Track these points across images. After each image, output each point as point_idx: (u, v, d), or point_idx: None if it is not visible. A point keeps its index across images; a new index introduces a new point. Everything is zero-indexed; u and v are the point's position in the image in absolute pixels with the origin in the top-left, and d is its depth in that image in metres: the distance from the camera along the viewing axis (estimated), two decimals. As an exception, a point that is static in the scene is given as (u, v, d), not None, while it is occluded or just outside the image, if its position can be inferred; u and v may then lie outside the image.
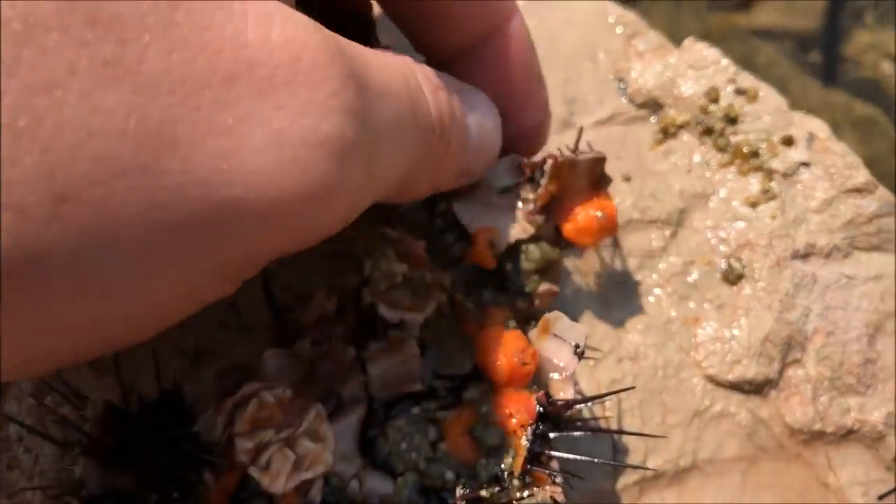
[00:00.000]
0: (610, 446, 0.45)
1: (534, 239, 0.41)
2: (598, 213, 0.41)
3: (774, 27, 0.78)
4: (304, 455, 0.35)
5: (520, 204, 0.42)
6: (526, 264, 0.41)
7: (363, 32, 0.44)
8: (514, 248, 0.42)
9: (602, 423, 0.45)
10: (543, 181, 0.41)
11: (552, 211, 0.43)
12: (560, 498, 0.36)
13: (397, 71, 0.31)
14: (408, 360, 0.40)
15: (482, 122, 0.38)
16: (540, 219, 0.42)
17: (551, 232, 0.43)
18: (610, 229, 0.42)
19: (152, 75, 0.22)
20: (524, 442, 0.37)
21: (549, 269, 0.42)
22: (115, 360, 0.38)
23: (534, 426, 0.37)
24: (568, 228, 0.42)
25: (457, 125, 0.35)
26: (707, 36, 0.60)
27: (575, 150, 0.42)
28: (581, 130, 0.44)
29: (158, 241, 0.23)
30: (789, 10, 0.78)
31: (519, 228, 0.41)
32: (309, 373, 0.40)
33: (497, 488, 0.36)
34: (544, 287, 0.43)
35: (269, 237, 0.26)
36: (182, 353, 0.43)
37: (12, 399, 0.41)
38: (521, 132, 0.42)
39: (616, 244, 0.50)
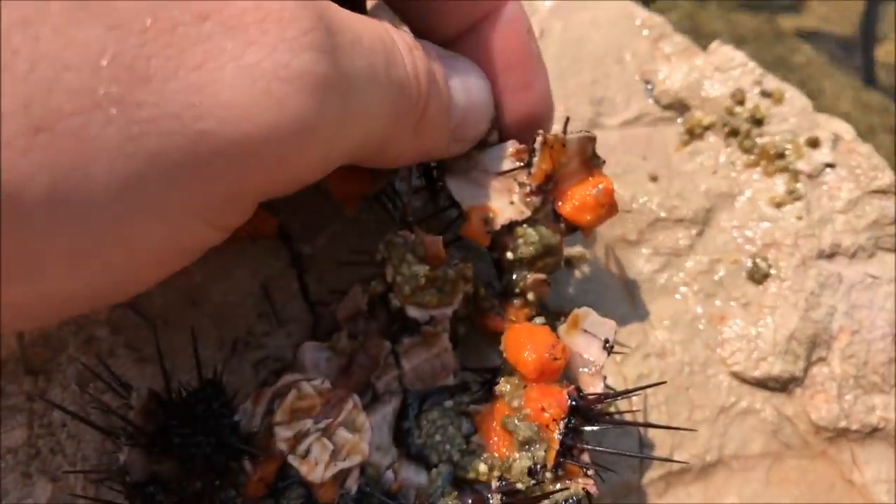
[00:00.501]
0: (637, 441, 0.45)
1: (531, 222, 0.41)
2: (593, 190, 0.41)
3: (817, 28, 0.78)
4: (342, 445, 0.36)
5: (517, 188, 0.42)
6: (524, 249, 0.41)
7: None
8: (511, 235, 0.42)
9: (629, 418, 0.46)
10: (536, 160, 0.41)
11: (550, 198, 0.42)
12: (593, 490, 0.37)
13: (370, 26, 0.32)
14: (441, 354, 0.41)
15: (467, 85, 0.38)
16: (536, 200, 0.41)
17: (549, 216, 0.42)
18: (608, 205, 0.41)
19: (125, 12, 0.23)
20: (557, 435, 0.37)
21: (549, 254, 0.42)
22: (157, 349, 0.39)
23: (566, 420, 0.37)
24: (565, 210, 0.41)
25: (437, 86, 0.36)
26: (739, 37, 0.61)
27: (564, 132, 0.42)
28: (567, 120, 0.43)
29: (135, 174, 0.24)
30: (834, 11, 0.78)
31: (515, 210, 0.41)
32: (345, 365, 0.41)
33: (532, 481, 0.37)
34: (532, 278, 0.43)
35: (245, 174, 0.27)
36: (220, 343, 0.45)
37: (56, 386, 0.42)
38: (522, 118, 0.42)
39: (641, 242, 0.51)
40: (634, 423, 0.41)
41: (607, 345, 0.39)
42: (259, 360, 0.44)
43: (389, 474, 0.38)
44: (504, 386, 0.39)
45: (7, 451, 0.40)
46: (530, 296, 0.42)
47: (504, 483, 0.37)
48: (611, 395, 0.39)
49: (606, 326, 0.40)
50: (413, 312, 0.40)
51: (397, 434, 0.39)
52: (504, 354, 0.40)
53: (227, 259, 0.46)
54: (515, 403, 0.39)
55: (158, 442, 0.35)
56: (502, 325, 0.42)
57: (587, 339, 0.40)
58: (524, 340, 0.39)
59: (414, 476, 0.38)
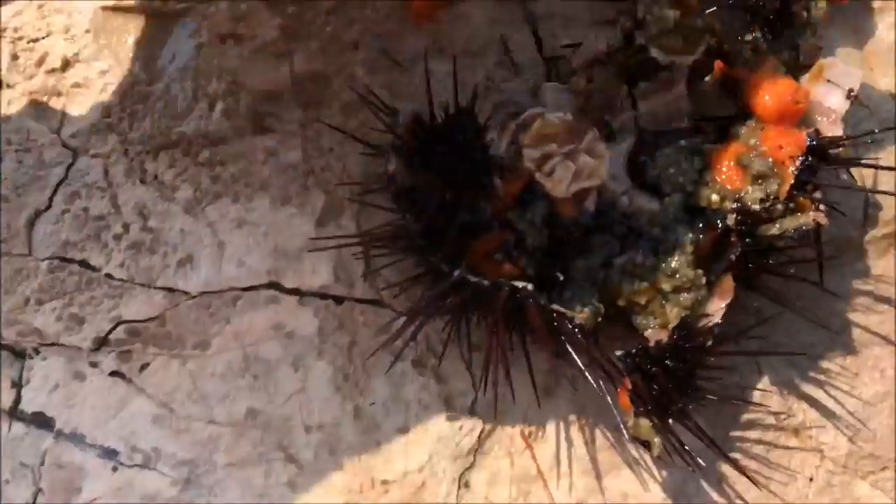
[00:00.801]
0: (861, 199, 0.46)
1: None
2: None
3: None
4: (583, 167, 0.40)
5: None
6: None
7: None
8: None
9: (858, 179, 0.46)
10: None
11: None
12: (823, 220, 0.39)
13: None
14: (676, 98, 0.43)
15: None
16: None
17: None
18: None
19: None
20: (792, 171, 0.39)
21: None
22: (425, 70, 0.43)
23: (803, 157, 0.39)
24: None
25: None
26: None
27: None
28: None
29: None
30: None
31: None
32: (583, 105, 0.43)
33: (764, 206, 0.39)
34: (811, 42, 0.43)
35: None
36: (462, 87, 0.48)
37: (324, 115, 0.48)
38: None
39: None
40: (867, 165, 0.42)
41: (851, 94, 0.40)
42: (498, 102, 0.48)
43: (624, 199, 0.42)
44: (739, 128, 0.41)
45: (287, 166, 0.47)
46: (801, 57, 0.43)
47: (739, 205, 0.40)
48: (849, 137, 0.40)
49: (853, 76, 0.40)
50: (656, 53, 0.42)
51: (631, 168, 0.43)
52: (743, 100, 0.41)
53: (470, 10, 0.49)
54: (752, 142, 0.41)
55: (420, 156, 0.40)
56: (744, 73, 0.43)
57: (829, 89, 0.41)
58: (766, 85, 0.40)
59: (647, 203, 0.42)
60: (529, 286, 0.40)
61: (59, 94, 0.48)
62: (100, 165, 0.47)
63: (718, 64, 0.44)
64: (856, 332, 0.47)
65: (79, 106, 0.48)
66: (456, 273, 0.40)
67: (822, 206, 0.39)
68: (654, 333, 0.42)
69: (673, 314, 0.42)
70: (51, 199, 0.47)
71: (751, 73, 0.42)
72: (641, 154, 0.43)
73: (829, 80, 0.41)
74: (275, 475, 0.45)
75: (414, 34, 0.48)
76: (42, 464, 0.45)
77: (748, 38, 0.44)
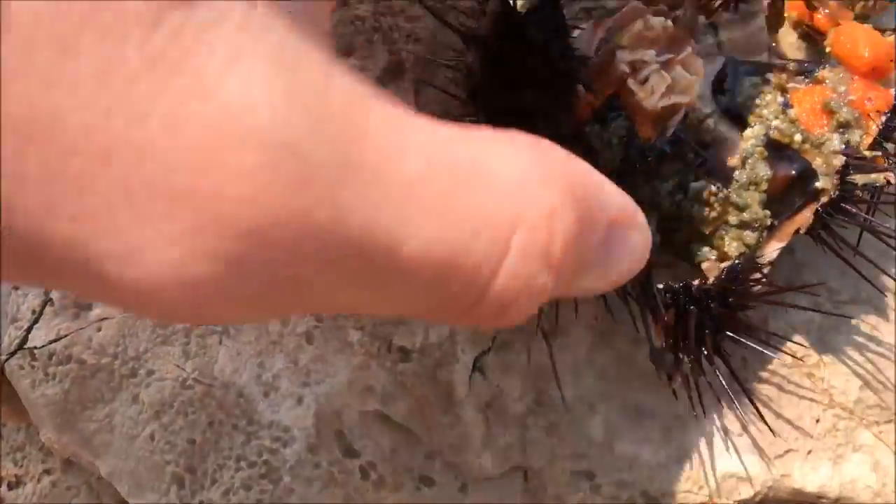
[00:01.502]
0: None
1: None
2: None
3: None
4: (678, 80, 0.40)
5: None
6: None
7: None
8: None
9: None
10: None
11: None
12: (893, 179, 0.39)
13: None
14: (756, 31, 0.43)
15: (595, 285, 0.24)
16: None
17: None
18: None
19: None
20: (875, 126, 0.40)
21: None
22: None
23: (889, 113, 0.39)
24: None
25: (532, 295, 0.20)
26: None
27: None
28: None
29: None
30: None
31: None
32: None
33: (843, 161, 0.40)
34: None
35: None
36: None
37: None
38: None
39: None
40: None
41: None
42: (585, 7, 0.47)
43: (710, 122, 0.41)
44: (829, 73, 0.41)
45: (355, 18, 0.47)
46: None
47: (847, 146, 0.40)
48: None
49: None
50: None
51: (716, 94, 0.42)
52: (832, 48, 0.42)
53: None
54: (841, 89, 0.41)
55: (502, 50, 0.40)
56: (829, 23, 0.43)
57: None
58: (862, 37, 0.41)
59: (728, 131, 0.42)
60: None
61: None
62: None
63: (801, 8, 0.45)
64: (882, 283, 0.48)
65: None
66: None
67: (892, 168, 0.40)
68: (711, 266, 0.42)
69: (732, 249, 0.41)
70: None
71: (843, 24, 0.43)
72: (726, 81, 0.43)
73: None
74: (292, 324, 0.44)
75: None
76: (55, 273, 0.44)
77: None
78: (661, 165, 0.41)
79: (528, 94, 0.39)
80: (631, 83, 0.40)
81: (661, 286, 0.41)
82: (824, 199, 0.41)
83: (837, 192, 0.41)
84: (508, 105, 0.40)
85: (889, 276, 0.46)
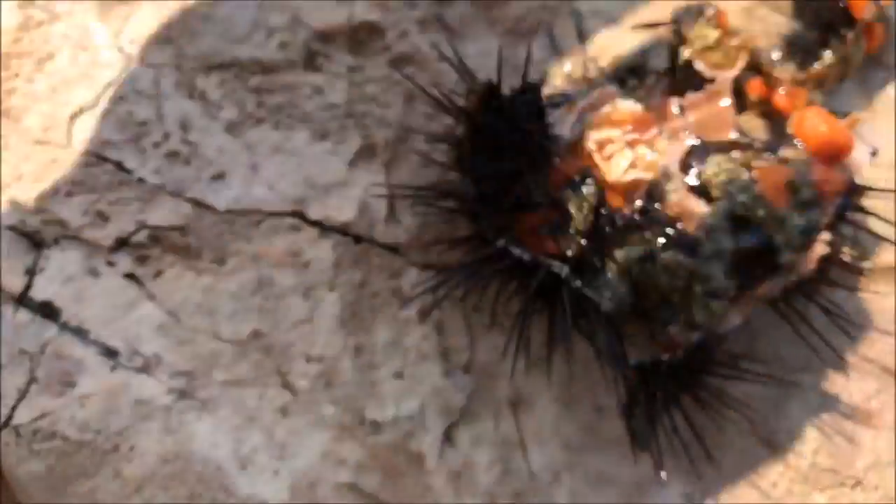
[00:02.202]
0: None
1: None
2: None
3: None
4: (642, 158, 0.43)
5: None
6: None
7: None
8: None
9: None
10: None
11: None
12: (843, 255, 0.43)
13: None
14: (721, 110, 0.46)
15: None
16: None
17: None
18: None
19: None
20: (832, 207, 0.43)
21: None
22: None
23: (844, 197, 0.43)
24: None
25: None
26: None
27: None
28: None
29: None
30: None
31: None
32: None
33: (804, 240, 0.43)
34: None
35: None
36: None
37: (374, 58, 0.50)
38: None
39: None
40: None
41: (873, 153, 0.44)
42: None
43: (673, 198, 0.44)
44: (790, 152, 0.45)
45: (330, 105, 0.49)
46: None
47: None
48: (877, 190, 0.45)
49: (878, 138, 0.44)
50: (700, 66, 0.45)
51: (683, 170, 0.45)
52: (794, 131, 0.45)
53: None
54: (802, 170, 0.44)
55: (486, 126, 0.43)
56: (788, 103, 0.47)
57: (857, 143, 0.45)
58: (821, 122, 0.45)
59: (695, 205, 0.44)
60: (565, 269, 0.41)
61: (125, 1, 0.50)
62: (151, 74, 0.49)
63: (761, 89, 0.48)
64: (831, 353, 0.50)
65: (142, 16, 0.50)
66: (500, 242, 0.42)
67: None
68: (678, 331, 0.44)
69: (700, 316, 0.44)
70: (98, 99, 0.49)
71: (805, 109, 0.46)
72: (692, 158, 0.45)
73: (856, 132, 0.45)
74: (268, 399, 0.46)
75: (468, 5, 0.51)
76: (42, 353, 0.46)
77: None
78: (631, 232, 0.44)
79: (508, 163, 0.42)
80: (597, 158, 0.43)
81: (633, 362, 0.43)
82: (793, 278, 0.44)
83: (815, 276, 0.44)
84: (490, 171, 0.43)
85: (835, 351, 0.49)
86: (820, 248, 0.43)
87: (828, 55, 0.49)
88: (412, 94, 0.50)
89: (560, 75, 0.50)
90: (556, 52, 0.52)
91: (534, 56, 0.51)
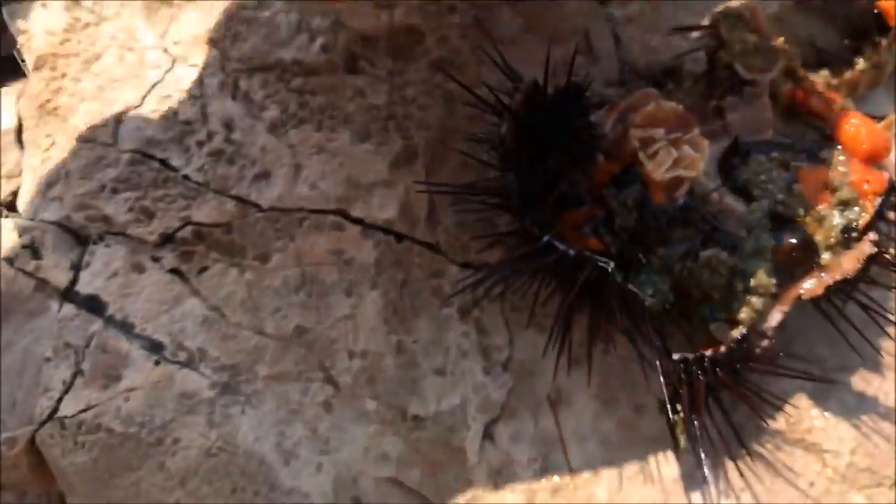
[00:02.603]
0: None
1: None
2: None
3: None
4: (684, 157, 0.43)
5: None
6: None
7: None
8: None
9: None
10: None
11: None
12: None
13: None
14: (761, 110, 0.47)
15: None
16: None
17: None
18: None
19: None
20: (873, 206, 0.43)
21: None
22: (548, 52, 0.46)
23: (883, 196, 0.43)
24: None
25: None
26: None
27: None
28: None
29: None
30: None
31: None
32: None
33: (843, 236, 0.44)
34: None
35: None
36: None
37: (415, 61, 0.51)
38: None
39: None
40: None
41: None
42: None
43: (715, 196, 0.45)
44: (831, 154, 0.45)
45: (371, 107, 0.50)
46: None
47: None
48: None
49: None
50: (740, 69, 0.46)
51: (723, 169, 0.46)
52: (834, 133, 0.46)
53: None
54: (841, 170, 0.45)
55: (530, 122, 0.43)
56: (822, 108, 0.48)
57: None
58: (862, 125, 0.46)
59: (735, 204, 0.45)
60: (611, 264, 0.42)
61: (170, 4, 0.51)
62: (196, 75, 0.50)
63: (795, 93, 0.49)
64: (868, 352, 0.50)
65: (187, 17, 0.51)
66: (546, 238, 0.42)
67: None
68: (719, 328, 0.45)
69: (742, 314, 0.44)
70: (143, 98, 0.49)
71: (846, 113, 0.47)
72: (733, 158, 0.46)
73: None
74: (311, 394, 0.47)
75: (507, 10, 0.52)
76: (87, 346, 0.46)
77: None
78: (673, 230, 0.45)
79: (553, 160, 0.43)
80: (641, 156, 0.43)
81: (677, 357, 0.43)
82: (837, 277, 0.44)
83: (860, 276, 0.44)
84: (535, 169, 0.43)
85: (874, 348, 0.49)
86: (867, 247, 0.43)
87: (861, 62, 0.50)
88: (452, 97, 0.50)
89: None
90: (593, 55, 0.52)
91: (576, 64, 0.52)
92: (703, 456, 0.46)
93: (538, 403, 0.48)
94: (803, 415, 0.49)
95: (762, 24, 0.47)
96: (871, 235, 0.44)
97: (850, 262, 0.44)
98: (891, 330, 0.49)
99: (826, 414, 0.49)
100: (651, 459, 0.48)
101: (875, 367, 0.50)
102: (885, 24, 0.50)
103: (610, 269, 0.41)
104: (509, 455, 0.47)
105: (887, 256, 0.45)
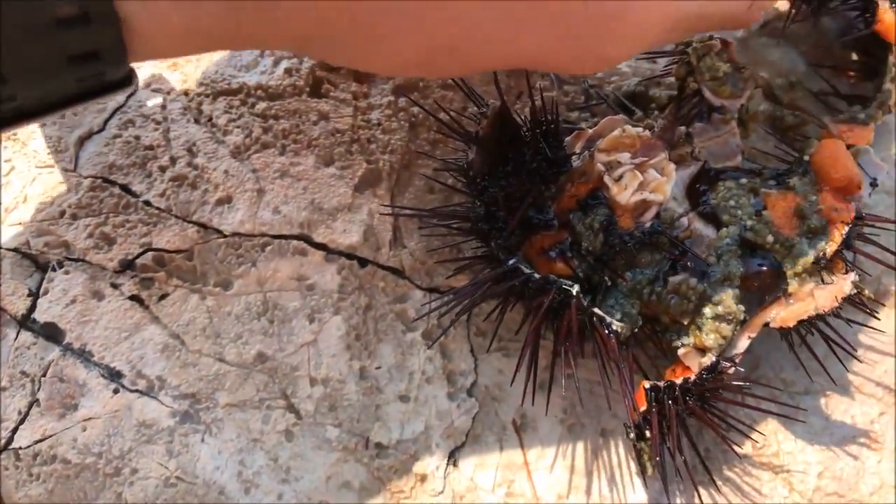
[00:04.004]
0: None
1: None
2: None
3: None
4: (650, 181, 0.43)
5: None
6: None
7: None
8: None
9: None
10: None
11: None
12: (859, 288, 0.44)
13: None
14: (728, 138, 0.47)
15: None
16: None
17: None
18: None
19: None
20: (841, 234, 0.43)
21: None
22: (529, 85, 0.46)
23: (850, 225, 0.43)
24: None
25: None
26: None
27: None
28: None
29: None
30: None
31: None
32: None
33: (811, 264, 0.44)
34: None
35: None
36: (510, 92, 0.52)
37: (379, 85, 0.51)
38: None
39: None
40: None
41: (875, 183, 0.45)
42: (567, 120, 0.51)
43: (683, 221, 0.45)
44: (800, 181, 0.45)
45: (335, 131, 0.50)
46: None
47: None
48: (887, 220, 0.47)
49: (880, 168, 0.45)
50: (708, 95, 0.46)
51: (692, 195, 0.46)
52: (811, 158, 0.46)
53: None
54: (812, 198, 0.45)
55: (498, 148, 0.43)
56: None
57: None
58: (842, 156, 0.46)
59: (704, 230, 0.45)
60: (576, 287, 0.42)
61: (132, 28, 0.51)
62: (159, 99, 0.50)
63: None
64: (835, 374, 0.50)
65: (149, 42, 0.50)
66: (511, 261, 0.42)
67: (851, 270, 0.44)
68: (687, 352, 0.45)
69: (710, 340, 0.44)
70: (105, 123, 0.49)
71: (826, 140, 0.48)
72: (702, 182, 0.46)
73: (859, 164, 0.46)
74: (272, 422, 0.46)
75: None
76: (44, 375, 0.46)
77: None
78: (641, 254, 0.45)
79: (519, 186, 0.43)
80: (606, 179, 0.43)
81: (647, 386, 0.43)
82: (811, 312, 0.44)
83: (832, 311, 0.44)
84: (502, 193, 0.43)
85: (831, 377, 0.49)
86: (847, 287, 0.44)
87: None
88: (416, 121, 0.50)
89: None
90: (558, 78, 0.52)
91: (535, 84, 0.52)
92: (668, 483, 0.46)
93: (504, 428, 0.48)
94: (770, 438, 0.49)
95: (733, 53, 0.47)
96: (853, 276, 0.44)
97: (826, 299, 0.44)
98: (853, 354, 0.49)
99: (793, 437, 0.49)
100: (618, 485, 0.47)
101: (842, 389, 0.50)
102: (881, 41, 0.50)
103: (575, 292, 0.41)
104: (474, 482, 0.46)
105: (863, 297, 0.45)
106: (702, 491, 0.47)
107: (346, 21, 0.32)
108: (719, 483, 0.47)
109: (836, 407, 0.50)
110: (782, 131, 0.52)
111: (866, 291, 0.45)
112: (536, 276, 0.42)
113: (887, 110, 0.49)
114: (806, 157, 0.47)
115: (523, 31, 0.34)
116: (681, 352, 0.45)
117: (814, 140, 0.48)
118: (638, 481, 0.47)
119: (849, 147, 0.47)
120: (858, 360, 0.49)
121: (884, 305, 0.50)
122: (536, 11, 0.34)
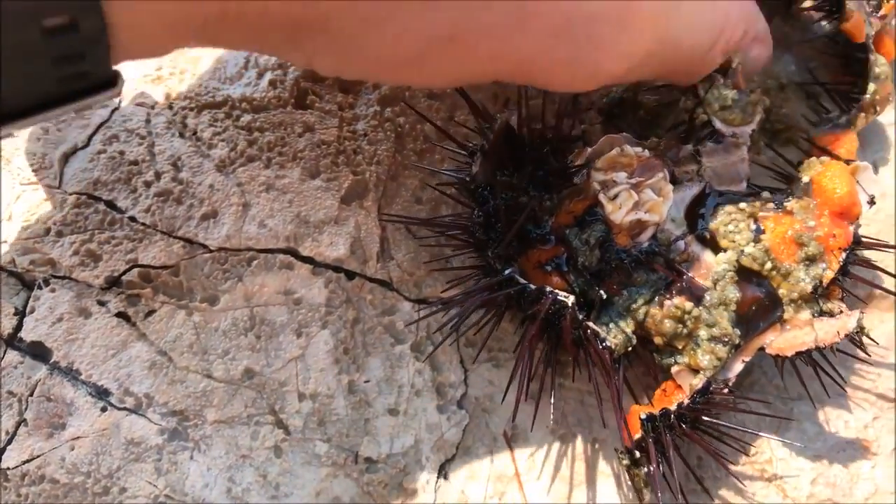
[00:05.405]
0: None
1: None
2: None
3: None
4: (646, 201, 0.43)
5: None
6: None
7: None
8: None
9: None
10: None
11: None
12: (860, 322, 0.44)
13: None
14: (737, 162, 0.46)
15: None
16: None
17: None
18: None
19: None
20: (838, 261, 0.44)
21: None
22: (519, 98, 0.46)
23: (848, 251, 0.43)
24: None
25: None
26: None
27: None
28: None
29: None
30: None
31: None
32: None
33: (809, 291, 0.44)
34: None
35: None
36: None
37: (364, 96, 0.50)
38: None
39: None
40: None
41: (872, 200, 0.44)
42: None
43: (680, 244, 0.44)
44: (798, 205, 0.45)
45: (321, 143, 0.50)
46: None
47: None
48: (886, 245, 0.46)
49: (877, 186, 0.44)
50: (719, 125, 0.45)
51: (691, 216, 0.45)
52: (812, 179, 0.46)
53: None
54: (810, 223, 0.44)
55: (504, 161, 0.43)
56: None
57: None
58: (843, 179, 0.45)
59: (700, 252, 0.44)
60: (571, 298, 0.41)
61: (115, 42, 0.50)
62: (143, 114, 0.49)
63: None
64: (827, 381, 0.50)
65: (132, 56, 0.50)
66: (508, 271, 0.42)
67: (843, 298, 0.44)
68: (679, 372, 0.44)
69: (705, 360, 0.44)
70: (90, 139, 0.49)
71: (830, 162, 0.47)
72: (702, 205, 0.46)
73: (857, 181, 0.45)
74: (261, 438, 0.46)
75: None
76: (31, 394, 0.45)
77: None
78: (637, 273, 0.44)
79: (518, 198, 0.43)
80: (601, 197, 0.43)
81: (643, 416, 0.43)
82: (811, 345, 0.43)
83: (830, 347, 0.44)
84: (503, 204, 0.43)
85: (824, 387, 0.49)
86: (851, 325, 0.43)
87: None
88: (402, 131, 0.50)
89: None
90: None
91: (529, 94, 0.52)
92: (658, 494, 0.45)
93: (494, 440, 0.48)
94: (763, 445, 0.49)
95: (740, 79, 0.46)
96: (859, 314, 0.44)
97: (828, 333, 0.44)
98: (847, 361, 0.49)
99: (786, 444, 0.49)
100: (608, 496, 0.47)
101: (834, 396, 0.49)
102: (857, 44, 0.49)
103: (570, 304, 0.41)
104: (465, 494, 0.46)
105: (865, 339, 0.45)
106: (694, 500, 0.46)
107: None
108: (712, 492, 0.47)
109: (830, 413, 0.50)
110: (772, 134, 0.51)
111: (866, 328, 0.45)
112: (532, 286, 0.41)
113: (873, 111, 0.48)
114: (806, 179, 0.46)
115: (522, 24, 0.34)
116: (674, 370, 0.44)
117: (815, 161, 0.47)
118: (630, 492, 0.47)
119: (847, 162, 0.47)
120: (844, 366, 0.49)
121: (878, 344, 0.49)
122: (537, 3, 0.34)
